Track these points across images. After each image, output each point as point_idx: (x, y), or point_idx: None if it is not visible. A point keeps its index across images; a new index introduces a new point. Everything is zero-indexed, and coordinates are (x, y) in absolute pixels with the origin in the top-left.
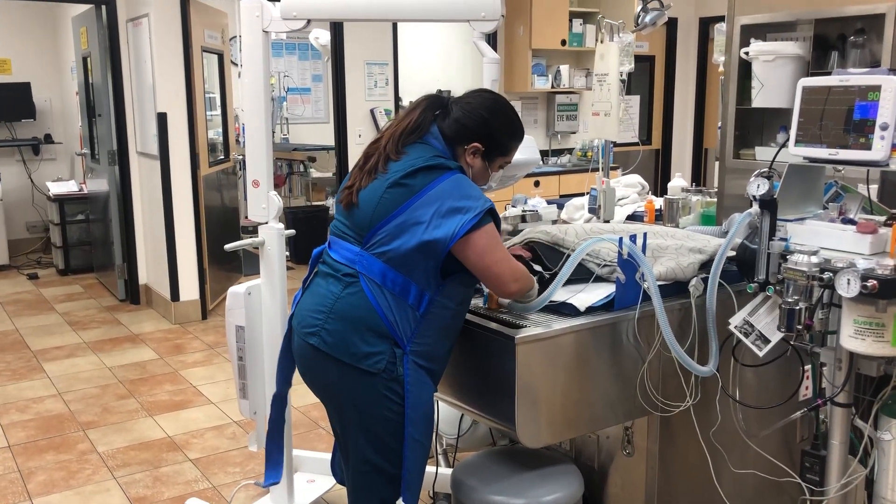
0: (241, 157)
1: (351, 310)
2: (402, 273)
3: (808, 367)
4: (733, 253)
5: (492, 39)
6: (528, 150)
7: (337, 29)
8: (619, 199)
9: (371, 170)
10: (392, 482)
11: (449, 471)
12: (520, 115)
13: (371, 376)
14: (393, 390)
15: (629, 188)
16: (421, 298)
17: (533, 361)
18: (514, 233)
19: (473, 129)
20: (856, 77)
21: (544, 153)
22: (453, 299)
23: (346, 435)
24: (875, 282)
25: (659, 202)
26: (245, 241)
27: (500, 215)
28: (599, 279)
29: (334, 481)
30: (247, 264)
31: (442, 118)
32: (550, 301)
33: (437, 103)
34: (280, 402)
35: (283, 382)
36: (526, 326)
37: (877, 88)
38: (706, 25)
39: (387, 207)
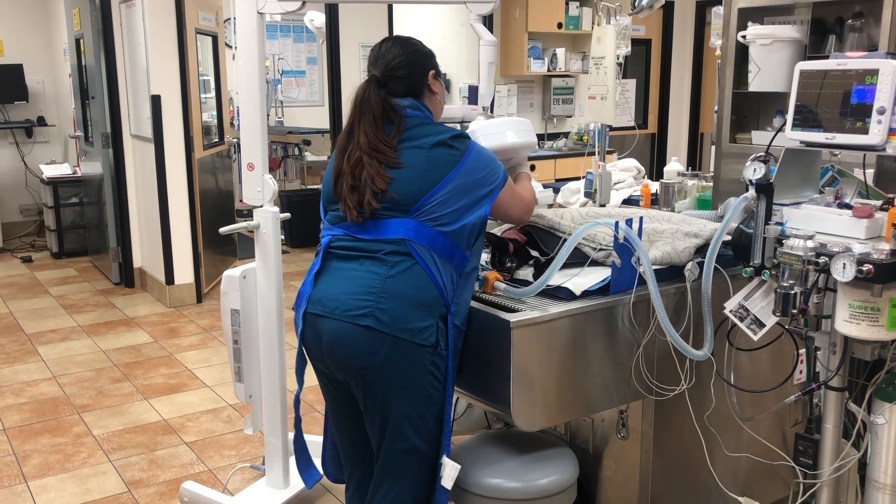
0: (235, 140)
1: (403, 287)
2: (449, 238)
3: (802, 351)
4: (729, 237)
5: (488, 22)
6: (524, 134)
7: (332, 11)
8: (615, 184)
9: (388, 164)
10: (423, 462)
11: None
12: (515, 98)
13: (422, 350)
14: (436, 365)
15: (625, 172)
16: (462, 260)
17: (528, 345)
18: None
19: (419, 65)
20: (853, 61)
21: (540, 137)
22: (476, 260)
23: (383, 416)
24: (870, 266)
25: (655, 186)
26: (240, 225)
27: None
28: (595, 263)
29: None
30: (242, 248)
31: (389, 87)
32: (546, 285)
33: (375, 82)
34: (298, 402)
35: (304, 382)
36: (521, 310)
37: (874, 72)
38: (703, 9)
39: (436, 174)
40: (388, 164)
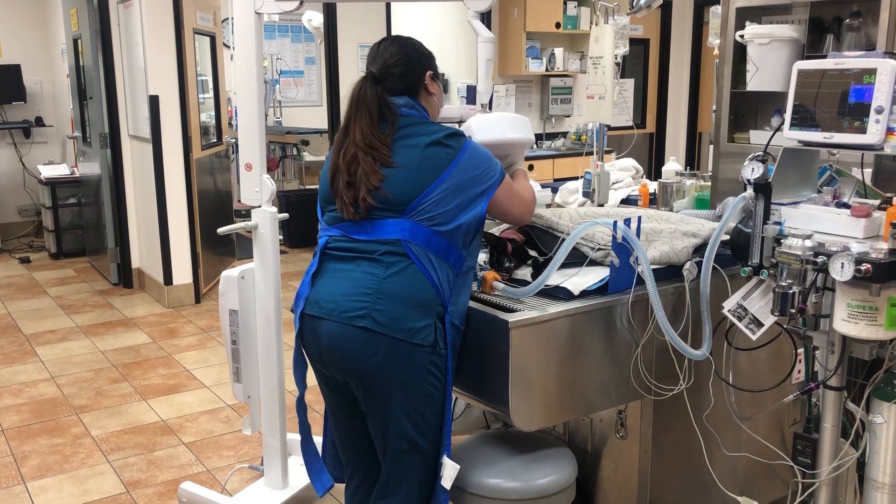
0: (233, 140)
1: (400, 288)
2: (445, 238)
3: (800, 350)
4: (727, 237)
5: (486, 22)
6: (521, 129)
7: (330, 11)
8: (614, 183)
9: (382, 161)
10: (426, 461)
11: None
12: (514, 98)
13: (420, 350)
14: (436, 364)
15: (623, 172)
16: (458, 259)
17: (527, 345)
18: None
19: (417, 64)
20: (851, 60)
21: (538, 136)
22: (473, 259)
23: (384, 418)
24: (869, 265)
25: (653, 186)
26: (238, 225)
27: None
28: (593, 263)
29: None
30: (240, 248)
31: (386, 84)
32: (545, 285)
33: (371, 79)
34: (303, 406)
35: (304, 385)
36: (520, 310)
37: (872, 72)
38: (701, 8)
39: (431, 174)
40: (382, 162)
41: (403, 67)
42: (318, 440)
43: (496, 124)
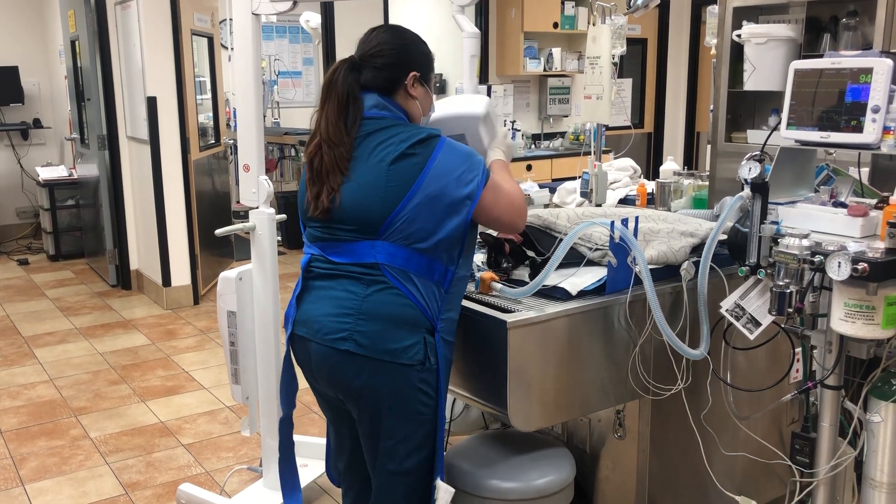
0: (231, 141)
1: (382, 307)
2: (426, 255)
3: (798, 349)
4: (725, 236)
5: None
6: (468, 104)
7: (327, 11)
8: (611, 183)
9: (339, 162)
10: (417, 482)
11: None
12: (512, 98)
13: (408, 369)
14: (426, 381)
15: (621, 172)
16: (444, 275)
17: (525, 345)
18: None
19: (403, 61)
20: (848, 59)
21: (536, 136)
22: (466, 269)
23: (374, 438)
24: (865, 265)
25: (651, 186)
26: (236, 226)
27: None
28: (591, 263)
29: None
30: (238, 249)
31: (363, 74)
32: (542, 285)
33: (348, 64)
34: (287, 425)
35: (289, 405)
36: (518, 311)
37: (868, 71)
38: (698, 8)
39: (399, 190)
40: (341, 161)
41: (386, 60)
42: (320, 441)
43: (445, 102)
